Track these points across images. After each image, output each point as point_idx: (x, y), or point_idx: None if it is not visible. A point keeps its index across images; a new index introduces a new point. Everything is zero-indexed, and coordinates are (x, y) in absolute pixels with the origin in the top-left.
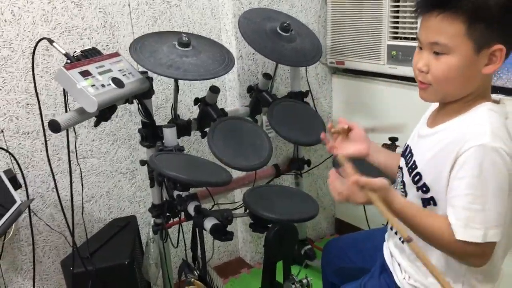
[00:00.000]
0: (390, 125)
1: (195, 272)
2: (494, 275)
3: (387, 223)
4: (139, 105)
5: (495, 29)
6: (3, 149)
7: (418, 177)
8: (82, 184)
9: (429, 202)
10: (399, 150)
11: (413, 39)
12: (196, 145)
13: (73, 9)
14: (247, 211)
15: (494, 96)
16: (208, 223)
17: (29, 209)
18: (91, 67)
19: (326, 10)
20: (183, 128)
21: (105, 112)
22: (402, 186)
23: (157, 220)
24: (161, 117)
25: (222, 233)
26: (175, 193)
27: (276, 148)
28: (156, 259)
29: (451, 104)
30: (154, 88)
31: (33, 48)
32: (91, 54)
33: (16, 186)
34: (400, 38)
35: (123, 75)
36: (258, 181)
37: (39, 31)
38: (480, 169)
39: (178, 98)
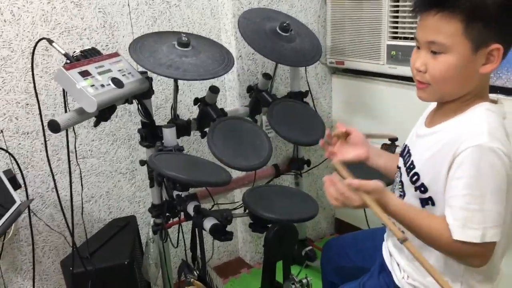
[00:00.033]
0: (383, 134)
1: (195, 272)
2: (493, 275)
3: None
4: (139, 105)
5: (492, 29)
6: (2, 149)
7: (416, 177)
8: (81, 184)
9: (427, 202)
10: (399, 150)
11: (412, 39)
12: (195, 145)
13: (72, 9)
14: (247, 211)
15: (492, 95)
16: (208, 223)
17: (29, 209)
18: (90, 67)
19: (326, 10)
20: (182, 128)
21: (104, 112)
22: (400, 186)
23: (157, 220)
24: (160, 117)
25: (221, 233)
26: (175, 193)
27: (275, 148)
28: (156, 259)
29: (448, 104)
30: (153, 88)
31: (32, 48)
32: (91, 54)
33: (16, 186)
34: (400, 38)
35: (123, 75)
36: (258, 181)
37: (38, 31)
38: (478, 169)
39: (178, 98)
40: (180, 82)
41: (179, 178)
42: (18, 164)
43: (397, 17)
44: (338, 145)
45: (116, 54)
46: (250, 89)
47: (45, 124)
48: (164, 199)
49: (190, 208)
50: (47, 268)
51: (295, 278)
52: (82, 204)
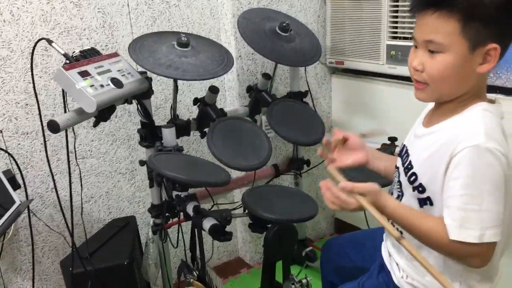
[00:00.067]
0: (374, 131)
1: (194, 273)
2: (492, 274)
3: None
4: (138, 105)
5: (490, 28)
6: (2, 149)
7: (414, 177)
8: (81, 185)
9: (425, 202)
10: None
11: (412, 39)
12: (195, 145)
13: (72, 9)
14: (246, 211)
15: (491, 95)
16: (207, 223)
17: (28, 210)
18: (90, 68)
19: (326, 10)
20: (182, 128)
21: (104, 113)
22: (398, 186)
23: (157, 220)
24: (160, 117)
25: (221, 233)
26: (174, 193)
27: (275, 148)
28: (155, 259)
29: (446, 104)
30: (153, 88)
31: (32, 48)
32: (90, 54)
33: (15, 186)
34: (399, 38)
35: (122, 75)
36: (258, 181)
37: (38, 31)
38: (475, 170)
39: (178, 98)
40: (179, 82)
41: (178, 178)
42: (17, 164)
43: (396, 17)
44: (337, 151)
45: (115, 54)
46: (249, 89)
47: (45, 124)
48: (163, 199)
49: (190, 208)
50: (46, 268)
51: (295, 278)
52: (81, 204)
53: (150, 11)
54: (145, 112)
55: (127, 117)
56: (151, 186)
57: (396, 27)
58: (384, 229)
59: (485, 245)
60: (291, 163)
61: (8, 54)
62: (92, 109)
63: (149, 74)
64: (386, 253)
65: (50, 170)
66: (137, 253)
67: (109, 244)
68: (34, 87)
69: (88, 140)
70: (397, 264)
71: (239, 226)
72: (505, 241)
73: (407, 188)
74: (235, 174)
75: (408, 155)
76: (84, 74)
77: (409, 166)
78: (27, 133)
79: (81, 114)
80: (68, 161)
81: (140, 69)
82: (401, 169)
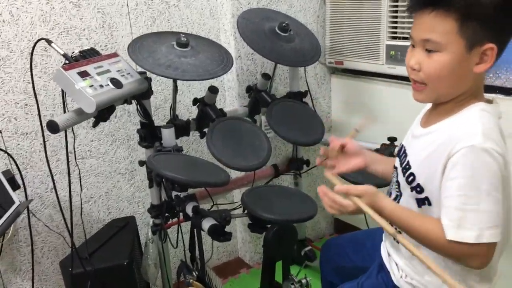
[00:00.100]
0: (366, 120)
1: (194, 273)
2: (491, 275)
3: None
4: (138, 106)
5: (487, 28)
6: (1, 149)
7: (412, 177)
8: (80, 185)
9: (423, 202)
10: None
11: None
12: (195, 146)
13: (71, 9)
14: (246, 211)
15: (491, 95)
16: (206, 223)
17: (28, 210)
18: (89, 68)
19: (325, 10)
20: (182, 129)
21: (103, 113)
22: (397, 186)
23: (156, 221)
24: (160, 117)
25: (220, 233)
26: (174, 193)
27: (275, 148)
28: (155, 259)
29: (443, 104)
30: (152, 89)
31: (31, 49)
32: (90, 55)
33: (15, 186)
34: (399, 38)
35: (122, 76)
36: (257, 181)
37: (37, 32)
38: (472, 170)
39: (177, 99)
40: (179, 82)
41: (178, 179)
42: (17, 165)
43: (396, 17)
44: (335, 158)
45: (115, 55)
46: (249, 89)
47: (44, 124)
48: (163, 199)
49: (189, 209)
50: (46, 269)
51: (295, 278)
52: (81, 204)
53: (150, 11)
54: (145, 112)
55: (127, 117)
56: (150, 186)
57: (396, 27)
58: (383, 229)
59: (484, 245)
60: (291, 163)
61: (8, 54)
62: (92, 109)
63: (148, 74)
64: (385, 253)
65: (50, 171)
66: (137, 254)
67: (108, 244)
68: (33, 87)
69: (88, 140)
70: (396, 264)
71: (238, 226)
72: (503, 242)
73: (405, 188)
74: (234, 174)
75: (406, 155)
76: (84, 75)
77: (407, 166)
78: (27, 134)
79: (81, 115)
80: (68, 161)
81: (140, 69)
82: (399, 169)
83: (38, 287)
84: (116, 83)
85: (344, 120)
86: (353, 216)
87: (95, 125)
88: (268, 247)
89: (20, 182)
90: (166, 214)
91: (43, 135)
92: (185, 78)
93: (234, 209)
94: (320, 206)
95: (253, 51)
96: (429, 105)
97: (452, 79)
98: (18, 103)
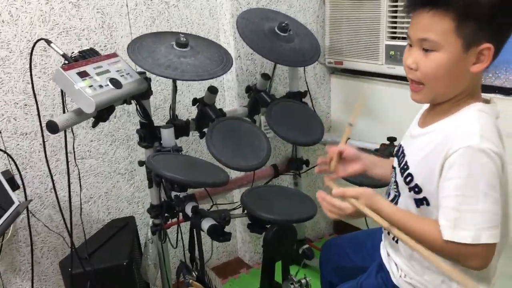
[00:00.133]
0: (357, 108)
1: (194, 273)
2: (490, 275)
3: None
4: (137, 106)
5: (484, 28)
6: (1, 150)
7: (410, 178)
8: (80, 185)
9: (421, 202)
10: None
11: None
12: (194, 146)
13: (71, 9)
14: (245, 211)
15: (489, 95)
16: (206, 224)
17: (27, 210)
18: (89, 68)
19: (325, 10)
20: (181, 129)
21: (103, 113)
22: (395, 186)
23: (156, 221)
24: (159, 117)
25: (219, 233)
26: (173, 193)
27: (274, 148)
28: (154, 259)
29: (441, 104)
30: (152, 89)
31: (31, 49)
32: (89, 55)
33: (14, 187)
34: (398, 38)
35: (121, 76)
36: (257, 181)
37: (37, 32)
38: (469, 170)
39: (177, 99)
40: (178, 82)
41: (177, 179)
42: (16, 165)
43: (395, 17)
44: (334, 165)
45: (114, 55)
46: (248, 89)
47: (44, 124)
48: (162, 199)
49: (189, 209)
50: (45, 269)
51: (294, 278)
52: (80, 204)
53: (149, 12)
54: (144, 113)
55: (126, 118)
56: (150, 186)
57: (395, 27)
58: (378, 224)
59: (482, 246)
60: (290, 163)
61: (7, 54)
62: (91, 109)
63: (148, 74)
64: (384, 253)
65: (49, 171)
66: (136, 254)
67: (108, 244)
68: (33, 87)
69: (87, 140)
70: (396, 264)
71: (238, 226)
72: (502, 242)
73: (403, 188)
74: (234, 174)
75: (404, 156)
76: (83, 75)
77: (405, 167)
78: (26, 134)
79: (80, 115)
80: (67, 162)
81: (139, 69)
82: (398, 170)
83: (37, 287)
84: (115, 83)
85: (343, 120)
86: None
87: (94, 125)
88: (267, 247)
89: (19, 182)
90: (166, 214)
91: (42, 135)
92: (185, 78)
93: (234, 209)
94: (320, 207)
95: (253, 51)
96: (427, 105)
97: (449, 78)
98: (17, 103)
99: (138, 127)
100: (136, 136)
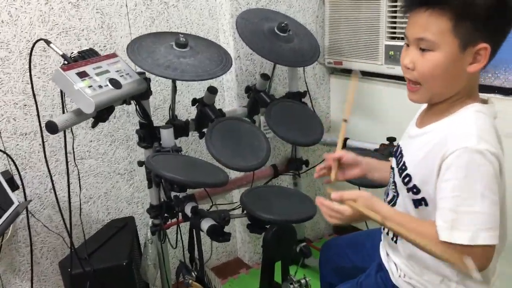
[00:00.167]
0: (349, 95)
1: (193, 273)
2: (489, 275)
3: None
4: (137, 106)
5: (481, 28)
6: (0, 150)
7: (408, 178)
8: (80, 185)
9: (420, 203)
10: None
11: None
12: (194, 146)
13: (70, 10)
14: (245, 211)
15: (488, 96)
16: (205, 224)
17: (27, 210)
18: (88, 68)
19: (324, 10)
20: (181, 129)
21: (102, 113)
22: (393, 187)
23: (155, 221)
24: (159, 117)
25: (219, 234)
26: (173, 194)
27: (274, 149)
28: (154, 260)
29: (438, 104)
30: (151, 89)
31: (30, 49)
32: (88, 55)
33: (14, 187)
34: (398, 38)
35: (121, 76)
36: (256, 181)
37: (36, 32)
38: (466, 171)
39: (176, 99)
40: (178, 82)
41: (176, 179)
42: (16, 165)
43: (395, 17)
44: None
45: (114, 55)
46: (248, 89)
47: (43, 125)
48: (162, 200)
49: (188, 209)
50: (45, 269)
51: (294, 278)
52: (80, 205)
53: (149, 12)
54: (144, 113)
55: (126, 118)
56: (149, 186)
57: (395, 28)
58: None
59: (479, 247)
60: (290, 164)
61: (6, 55)
62: (91, 110)
63: (147, 74)
64: (384, 253)
65: (49, 171)
66: (136, 254)
67: (108, 244)
68: (32, 88)
69: (87, 140)
70: (395, 264)
71: (238, 227)
72: (500, 243)
73: (401, 189)
74: (233, 174)
75: (402, 156)
76: (83, 75)
77: (403, 167)
78: (26, 134)
79: (80, 115)
80: (67, 162)
81: (139, 69)
82: (396, 170)
83: (37, 287)
84: (115, 83)
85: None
86: None
87: (94, 125)
88: (267, 247)
89: (19, 182)
90: (165, 215)
91: (42, 136)
92: (184, 78)
93: (233, 209)
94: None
95: (252, 51)
96: (425, 105)
97: (445, 78)
98: (17, 104)
99: (138, 127)
100: (136, 136)
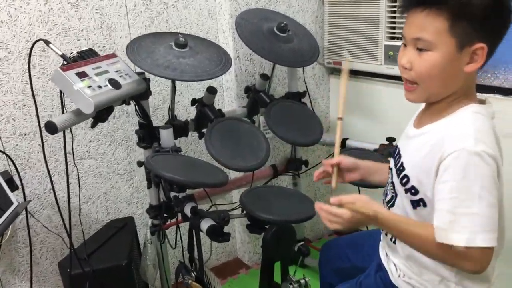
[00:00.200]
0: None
1: (193, 274)
2: (488, 276)
3: None
4: (136, 106)
5: (477, 28)
6: (0, 150)
7: (406, 179)
8: (79, 186)
9: (418, 203)
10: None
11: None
12: (193, 146)
13: (69, 10)
14: (244, 212)
15: (485, 95)
16: (205, 224)
17: (26, 211)
18: (87, 68)
19: (323, 10)
20: (180, 129)
21: (102, 113)
22: (392, 187)
23: (155, 221)
24: (158, 118)
25: (218, 234)
26: (172, 194)
27: (273, 149)
28: (153, 260)
29: (436, 104)
30: (151, 89)
31: (29, 49)
32: (88, 55)
33: (13, 187)
34: (397, 38)
35: (120, 76)
36: (256, 181)
37: (35, 32)
38: (463, 173)
39: (176, 99)
40: (177, 83)
41: (176, 179)
42: (15, 166)
43: (394, 17)
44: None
45: (113, 55)
46: (247, 89)
47: (42, 125)
48: (161, 200)
49: (188, 209)
50: (44, 270)
51: (293, 278)
52: (79, 205)
53: (148, 12)
54: (143, 113)
55: (125, 118)
56: (149, 187)
57: (394, 28)
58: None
59: (476, 249)
60: (289, 164)
61: (6, 55)
62: (90, 110)
63: (147, 75)
64: (383, 253)
65: (48, 171)
66: (136, 254)
67: (107, 245)
68: (31, 88)
69: (86, 141)
70: (394, 264)
71: (237, 227)
72: (499, 246)
73: (400, 189)
74: (233, 174)
75: (400, 156)
76: (82, 75)
77: (401, 168)
78: (25, 134)
79: (79, 115)
80: (66, 162)
81: (138, 70)
82: (394, 171)
83: None
84: (114, 83)
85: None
86: None
87: (93, 125)
88: (266, 247)
89: (18, 183)
90: (165, 215)
91: (41, 136)
92: (184, 78)
93: (233, 209)
94: None
95: (252, 51)
96: (423, 105)
97: (442, 78)
98: (16, 104)
99: (137, 127)
100: (135, 137)
